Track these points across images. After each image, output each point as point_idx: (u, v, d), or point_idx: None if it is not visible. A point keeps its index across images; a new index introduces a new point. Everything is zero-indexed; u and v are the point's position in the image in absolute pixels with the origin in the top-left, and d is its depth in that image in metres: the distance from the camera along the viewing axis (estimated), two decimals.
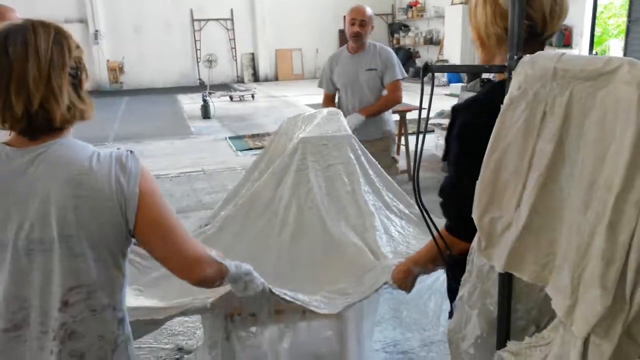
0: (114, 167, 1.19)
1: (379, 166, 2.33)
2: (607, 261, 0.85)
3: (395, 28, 17.99)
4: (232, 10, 17.17)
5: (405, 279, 1.72)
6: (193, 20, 16.95)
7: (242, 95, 13.34)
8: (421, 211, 1.33)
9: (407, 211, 2.27)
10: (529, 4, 1.22)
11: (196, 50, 17.05)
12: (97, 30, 15.88)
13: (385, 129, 3.66)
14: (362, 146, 2.30)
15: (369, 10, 3.49)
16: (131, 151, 1.25)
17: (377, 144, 3.45)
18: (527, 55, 1.02)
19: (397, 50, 17.04)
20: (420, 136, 1.24)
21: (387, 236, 2.13)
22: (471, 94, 1.42)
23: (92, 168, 1.18)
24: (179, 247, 1.26)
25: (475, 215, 1.08)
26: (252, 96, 13.31)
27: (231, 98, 13.10)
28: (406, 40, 17.49)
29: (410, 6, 17.44)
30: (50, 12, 15.19)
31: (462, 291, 1.29)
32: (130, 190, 1.19)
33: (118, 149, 1.27)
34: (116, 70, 16.43)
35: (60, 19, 15.39)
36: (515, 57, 1.06)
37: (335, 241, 2.08)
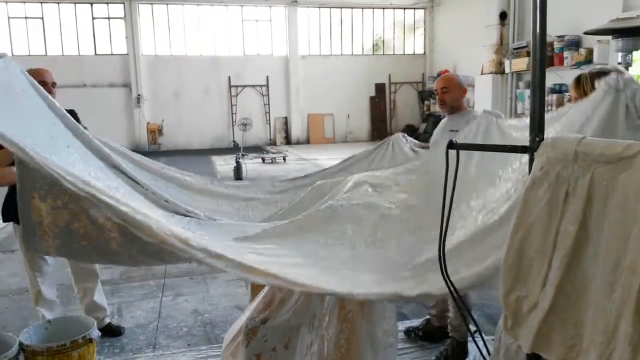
0: None
1: None
2: (635, 347, 0.84)
3: (425, 95, 18.33)
4: (267, 77, 17.90)
5: None
6: (230, 86, 17.70)
7: (274, 158, 13.64)
8: (446, 282, 1.33)
9: None
10: None
11: (232, 114, 17.68)
12: (139, 95, 16.74)
13: None
14: None
15: (452, 77, 3.43)
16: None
17: None
18: (549, 137, 1.06)
19: (428, 116, 17.27)
20: (446, 211, 1.27)
21: None
22: None
23: None
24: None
25: (501, 294, 1.09)
26: (284, 158, 13.58)
27: (263, 160, 13.40)
28: (436, 107, 17.75)
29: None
30: (96, 78, 16.17)
31: None
32: None
33: None
34: (155, 132, 17.13)
35: (104, 84, 16.34)
36: (537, 139, 1.10)
37: None
